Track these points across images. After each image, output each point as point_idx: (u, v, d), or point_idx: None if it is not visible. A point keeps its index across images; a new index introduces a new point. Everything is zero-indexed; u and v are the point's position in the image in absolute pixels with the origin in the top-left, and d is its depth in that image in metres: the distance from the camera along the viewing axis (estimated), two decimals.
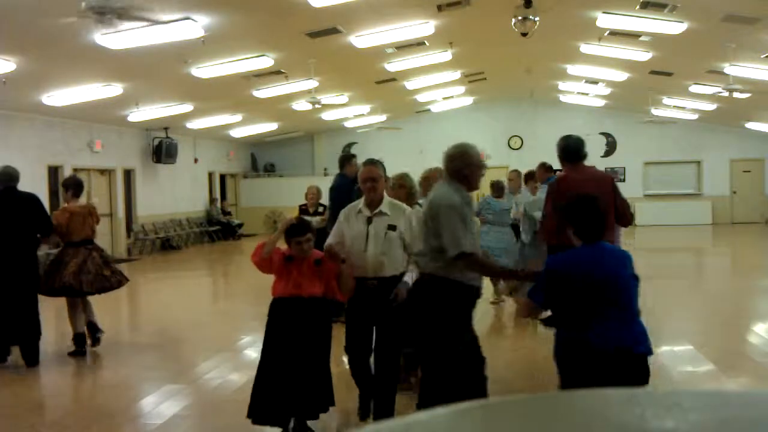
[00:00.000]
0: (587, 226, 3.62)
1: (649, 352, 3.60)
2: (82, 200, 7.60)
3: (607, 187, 5.15)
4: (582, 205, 3.67)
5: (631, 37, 13.05)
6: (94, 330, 7.40)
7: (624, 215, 5.33)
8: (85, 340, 7.31)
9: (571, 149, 5.27)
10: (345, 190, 7.66)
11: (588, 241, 3.62)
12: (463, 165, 4.23)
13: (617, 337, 3.49)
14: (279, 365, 4.53)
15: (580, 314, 3.56)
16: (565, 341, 3.65)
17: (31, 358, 6.83)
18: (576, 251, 3.68)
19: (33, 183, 14.45)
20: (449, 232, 4.02)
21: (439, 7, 11.43)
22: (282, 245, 4.77)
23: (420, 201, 5.59)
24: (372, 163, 4.94)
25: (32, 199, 7.07)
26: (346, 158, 8.85)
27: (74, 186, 7.48)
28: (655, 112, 20.84)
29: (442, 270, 4.09)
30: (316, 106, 15.29)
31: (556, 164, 6.12)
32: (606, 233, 3.94)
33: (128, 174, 18.23)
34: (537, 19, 10.05)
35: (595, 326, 3.49)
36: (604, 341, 3.47)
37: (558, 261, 3.77)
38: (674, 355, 6.95)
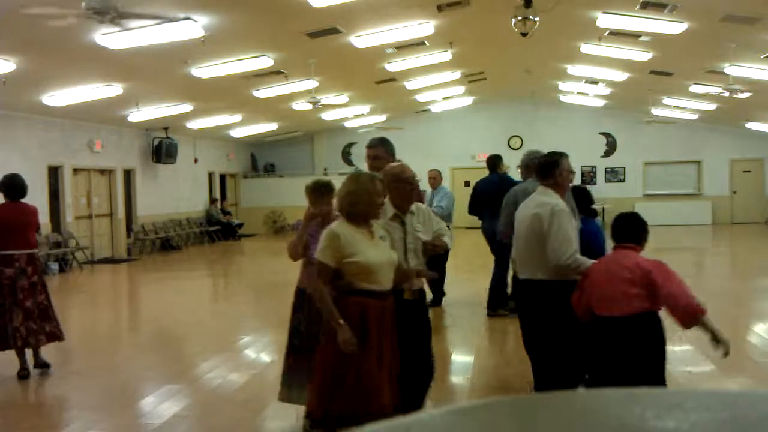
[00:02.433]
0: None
1: None
2: None
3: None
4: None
5: (631, 37, 13.04)
6: None
7: None
8: None
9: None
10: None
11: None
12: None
13: None
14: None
15: None
16: None
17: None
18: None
19: (33, 183, 14.46)
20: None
21: (439, 7, 11.42)
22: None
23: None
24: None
25: None
26: (500, 158, 9.21)
27: None
28: (655, 112, 20.83)
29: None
30: (316, 106, 15.29)
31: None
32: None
33: (128, 174, 18.24)
34: (537, 19, 10.04)
35: None
36: None
37: None
38: (674, 355, 6.91)
